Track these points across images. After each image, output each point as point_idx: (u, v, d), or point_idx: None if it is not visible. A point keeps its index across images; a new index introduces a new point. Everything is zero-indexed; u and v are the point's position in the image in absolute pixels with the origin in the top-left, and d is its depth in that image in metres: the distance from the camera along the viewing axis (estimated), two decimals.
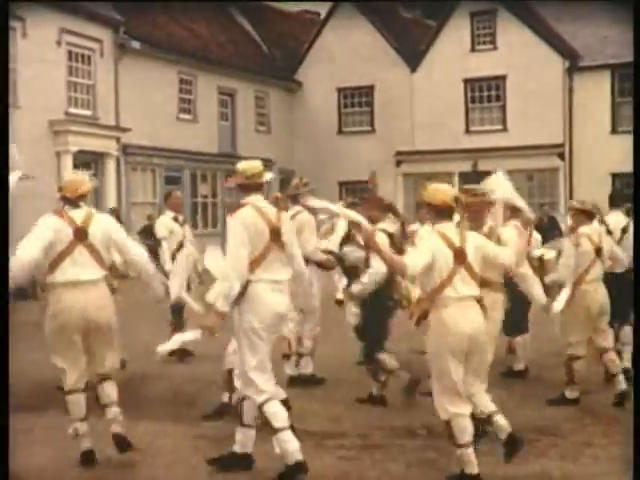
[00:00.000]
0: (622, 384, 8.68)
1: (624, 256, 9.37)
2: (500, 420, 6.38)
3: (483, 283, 6.53)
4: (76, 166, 24.80)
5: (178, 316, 11.56)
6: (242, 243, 6.32)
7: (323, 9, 37.82)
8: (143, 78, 27.89)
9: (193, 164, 30.64)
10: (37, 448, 7.18)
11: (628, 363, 10.01)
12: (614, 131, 31.15)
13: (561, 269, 8.72)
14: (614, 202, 10.84)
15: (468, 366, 6.24)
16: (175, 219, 11.83)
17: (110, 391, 6.86)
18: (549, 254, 9.42)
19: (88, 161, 25.84)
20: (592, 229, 8.86)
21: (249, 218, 6.40)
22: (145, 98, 27.79)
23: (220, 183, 32.03)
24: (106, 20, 26.63)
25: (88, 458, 6.81)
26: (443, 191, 6.40)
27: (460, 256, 6.19)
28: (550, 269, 9.08)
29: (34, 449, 7.13)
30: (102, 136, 25.97)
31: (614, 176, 30.43)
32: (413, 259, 6.17)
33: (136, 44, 27.63)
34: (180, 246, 11.68)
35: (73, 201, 6.85)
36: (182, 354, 11.43)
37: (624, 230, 10.29)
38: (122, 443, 6.83)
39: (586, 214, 8.88)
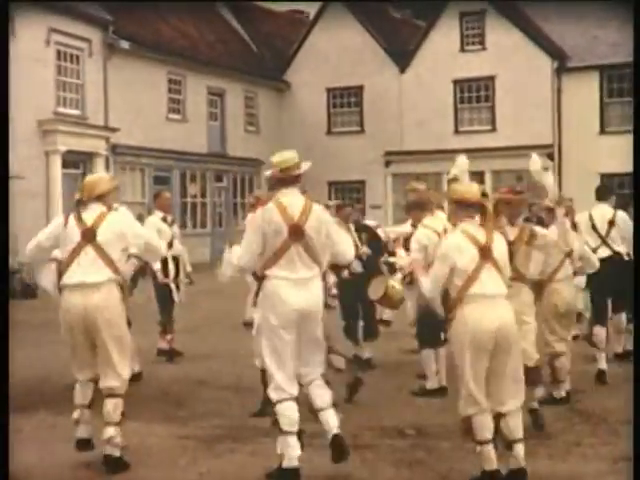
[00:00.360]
0: (562, 392, 8.77)
1: (594, 257, 9.44)
2: (517, 449, 6.17)
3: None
4: (65, 166, 24.81)
5: (167, 316, 11.56)
6: (250, 241, 6.38)
7: (312, 9, 37.84)
8: (132, 78, 27.84)
9: (182, 164, 30.60)
10: (27, 448, 7.16)
11: (621, 348, 10.18)
12: (602, 132, 31.24)
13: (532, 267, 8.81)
14: (600, 195, 10.87)
15: (495, 368, 6.10)
16: (164, 219, 11.81)
17: (111, 409, 6.70)
18: None
19: (77, 161, 25.78)
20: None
21: (266, 216, 6.36)
22: (134, 98, 27.74)
23: (209, 183, 32.04)
24: (95, 20, 26.56)
25: (82, 444, 6.78)
26: (473, 188, 6.44)
27: (486, 253, 6.13)
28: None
29: (24, 449, 7.10)
30: (91, 136, 25.90)
31: (602, 176, 30.52)
32: (429, 284, 6.30)
33: (125, 44, 27.57)
34: (169, 246, 11.67)
35: (86, 203, 6.85)
36: (172, 354, 11.44)
37: (611, 223, 10.29)
38: (113, 465, 6.67)
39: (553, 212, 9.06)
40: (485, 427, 6.07)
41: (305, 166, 6.70)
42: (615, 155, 29.85)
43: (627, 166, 32.83)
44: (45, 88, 24.52)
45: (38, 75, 23.95)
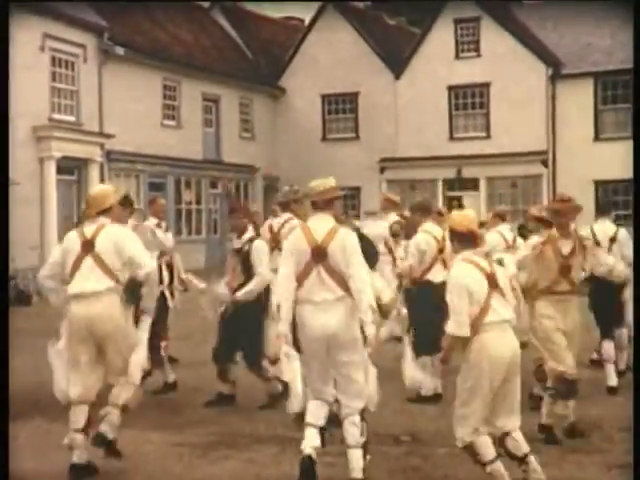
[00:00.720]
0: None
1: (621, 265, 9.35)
2: (533, 463, 6.17)
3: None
4: (60, 172, 24.79)
5: (162, 324, 11.52)
6: (284, 264, 6.47)
7: (307, 15, 37.92)
8: (127, 84, 27.83)
9: (177, 170, 30.59)
10: (23, 455, 7.15)
11: (623, 365, 10.13)
12: (597, 138, 31.33)
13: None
14: (601, 210, 10.86)
15: (505, 391, 6.14)
16: (158, 225, 11.79)
17: (113, 420, 6.92)
18: (508, 258, 9.50)
19: (72, 167, 25.77)
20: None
21: (292, 239, 6.53)
22: (129, 104, 27.72)
23: (204, 189, 32.03)
24: (90, 26, 26.56)
25: (76, 472, 6.70)
26: (468, 218, 6.41)
27: (493, 281, 6.13)
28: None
29: (20, 456, 7.09)
30: (86, 142, 25.88)
31: (597, 183, 30.63)
32: (455, 324, 6.06)
33: (120, 50, 27.57)
34: (163, 253, 11.63)
35: (93, 216, 7.00)
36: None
37: (612, 239, 10.26)
38: (100, 443, 6.88)
39: (543, 221, 8.99)
40: (489, 446, 6.09)
41: (338, 192, 6.70)
42: (609, 162, 29.98)
43: (621, 173, 33.02)
44: (40, 94, 24.50)
45: (33, 81, 23.93)
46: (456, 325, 6.05)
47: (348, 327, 6.34)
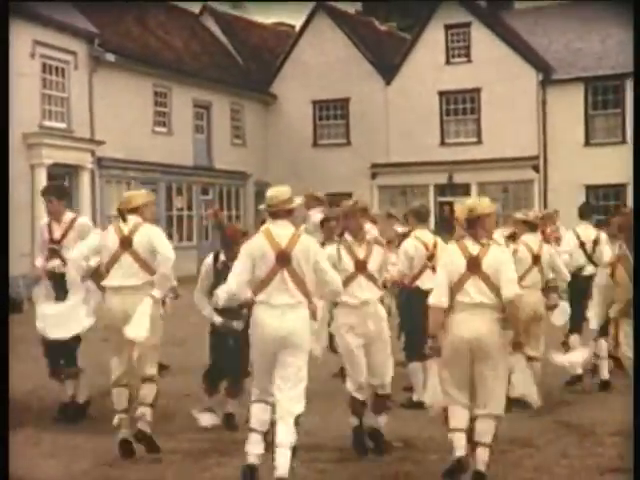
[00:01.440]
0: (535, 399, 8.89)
1: (566, 270, 9.70)
2: (480, 456, 6.41)
3: None
4: (50, 179, 24.72)
5: None
6: (239, 268, 6.59)
7: (298, 21, 37.97)
8: (118, 90, 27.80)
9: (168, 177, 30.55)
10: (13, 464, 7.10)
11: (604, 376, 10.09)
12: (587, 143, 31.39)
13: None
14: (583, 214, 11.15)
15: (477, 377, 6.47)
16: None
17: (147, 392, 7.48)
18: None
19: (62, 174, 25.71)
20: (532, 239, 9.36)
21: (255, 245, 6.63)
22: (120, 111, 27.68)
23: (195, 196, 32.00)
24: (80, 32, 26.52)
25: (124, 447, 7.35)
26: (467, 206, 6.79)
27: (473, 264, 6.43)
28: None
29: (10, 465, 7.06)
30: (76, 149, 25.82)
31: (588, 188, 30.69)
32: (433, 296, 6.57)
33: (111, 56, 27.52)
34: None
35: (123, 214, 7.57)
36: (158, 368, 11.37)
37: (595, 242, 10.53)
38: (142, 438, 7.36)
39: (528, 225, 9.48)
40: (456, 416, 6.45)
41: (297, 201, 6.88)
42: (600, 167, 30.06)
43: (612, 178, 33.10)
44: (30, 101, 24.44)
45: (23, 88, 23.86)
46: (432, 296, 6.54)
47: (302, 330, 6.51)
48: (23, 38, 23.98)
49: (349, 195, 33.79)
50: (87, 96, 26.87)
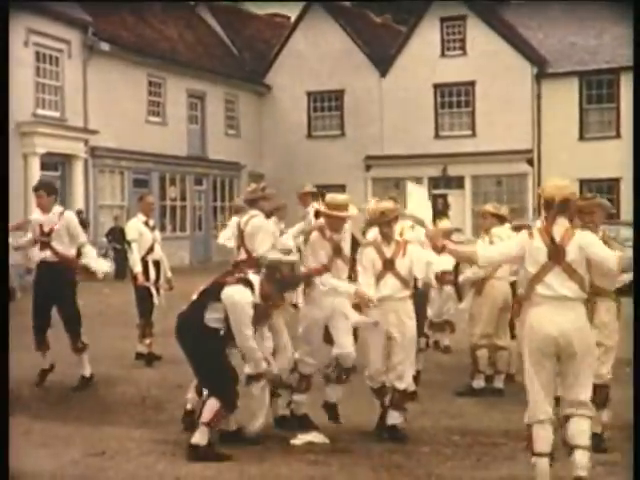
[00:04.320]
0: (499, 383, 9.58)
1: None
2: (580, 457, 5.95)
3: (595, 291, 6.62)
4: (43, 168, 24.66)
5: (147, 319, 11.48)
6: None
7: (293, 13, 37.84)
8: (112, 80, 27.71)
9: (162, 167, 30.48)
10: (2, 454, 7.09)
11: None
12: (582, 137, 31.41)
13: (475, 267, 9.20)
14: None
15: (564, 374, 5.99)
16: (146, 223, 11.73)
17: None
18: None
19: (55, 163, 25.65)
20: (503, 231, 9.53)
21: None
22: (114, 100, 27.61)
23: (189, 186, 31.93)
24: (74, 21, 26.43)
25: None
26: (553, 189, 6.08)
27: (556, 254, 5.89)
28: (465, 267, 9.85)
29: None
30: (70, 138, 25.77)
31: (582, 182, 30.69)
32: (488, 250, 6.68)
33: (105, 45, 27.44)
34: (150, 250, 11.59)
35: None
36: (150, 358, 11.37)
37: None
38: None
39: (499, 218, 9.73)
40: (543, 439, 5.93)
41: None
42: (594, 161, 30.08)
43: (606, 172, 33.06)
44: (24, 90, 24.33)
45: (16, 77, 23.75)
46: (482, 250, 6.67)
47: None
48: (17, 26, 23.83)
49: (342, 187, 33.96)
50: (81, 85, 26.79)
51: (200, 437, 6.88)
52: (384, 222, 7.70)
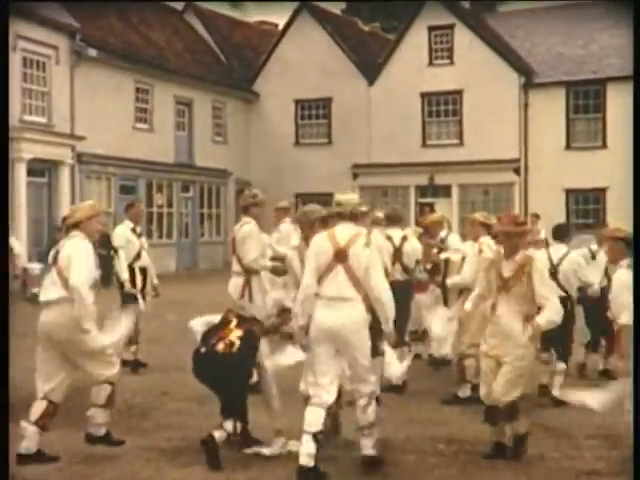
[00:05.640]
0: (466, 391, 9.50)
1: None
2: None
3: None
4: (30, 174, 24.59)
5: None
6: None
7: (281, 20, 37.92)
8: (99, 86, 27.67)
9: (149, 174, 30.43)
10: None
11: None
12: (568, 147, 31.53)
13: (464, 273, 9.48)
14: (557, 236, 10.62)
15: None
16: (133, 230, 11.70)
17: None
18: (454, 257, 10.19)
19: (42, 169, 25.58)
20: (489, 241, 9.47)
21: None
22: (101, 106, 27.57)
23: (176, 193, 31.89)
24: (62, 27, 26.38)
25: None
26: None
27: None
28: (453, 272, 9.93)
29: None
30: (57, 144, 25.70)
31: (568, 192, 30.85)
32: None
33: (92, 51, 27.40)
34: (137, 257, 11.57)
35: (67, 228, 7.43)
36: (136, 365, 11.34)
37: (561, 258, 10.12)
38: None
39: (487, 226, 9.65)
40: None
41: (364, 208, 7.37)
42: (581, 171, 30.22)
43: (592, 182, 33.22)
44: (10, 95, 24.25)
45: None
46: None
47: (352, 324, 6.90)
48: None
49: (330, 195, 33.99)
50: (68, 91, 26.74)
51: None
52: (305, 222, 7.88)
